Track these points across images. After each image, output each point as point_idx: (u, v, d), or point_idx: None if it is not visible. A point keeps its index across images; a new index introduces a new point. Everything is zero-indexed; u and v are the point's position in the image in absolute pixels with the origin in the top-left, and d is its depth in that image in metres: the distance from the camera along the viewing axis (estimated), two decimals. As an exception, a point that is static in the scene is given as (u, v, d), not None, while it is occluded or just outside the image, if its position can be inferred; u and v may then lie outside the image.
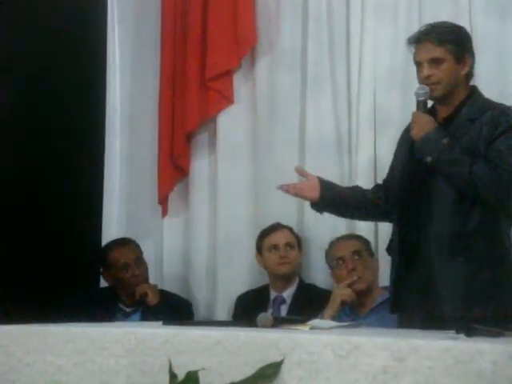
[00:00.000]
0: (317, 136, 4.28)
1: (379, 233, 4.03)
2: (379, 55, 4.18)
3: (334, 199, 3.35)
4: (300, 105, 4.35)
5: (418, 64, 3.16)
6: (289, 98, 4.36)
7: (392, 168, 3.35)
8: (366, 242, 3.95)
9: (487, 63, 3.95)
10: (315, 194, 3.32)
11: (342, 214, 3.54)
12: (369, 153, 4.14)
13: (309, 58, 4.33)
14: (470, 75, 3.20)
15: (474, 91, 3.21)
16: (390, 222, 3.32)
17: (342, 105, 4.27)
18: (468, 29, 3.87)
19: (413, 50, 3.19)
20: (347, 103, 4.25)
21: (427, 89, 3.11)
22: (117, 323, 3.56)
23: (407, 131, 3.24)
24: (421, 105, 3.14)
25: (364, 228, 4.04)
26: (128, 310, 4.25)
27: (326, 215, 4.19)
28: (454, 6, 4.02)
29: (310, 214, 4.25)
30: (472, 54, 3.20)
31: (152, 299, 4.16)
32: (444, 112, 3.17)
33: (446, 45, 3.12)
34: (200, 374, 2.27)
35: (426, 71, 3.12)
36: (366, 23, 4.20)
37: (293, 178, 4.28)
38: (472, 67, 3.19)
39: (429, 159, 3.06)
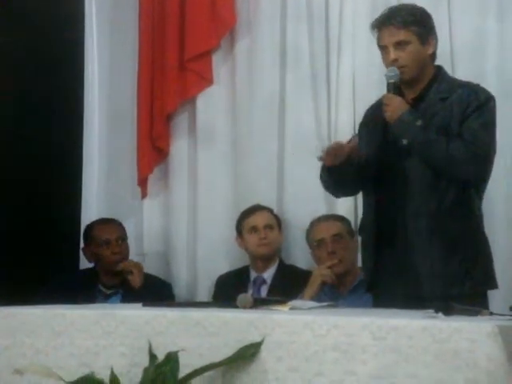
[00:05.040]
0: (296, 116, 4.28)
1: (359, 212, 4.03)
2: (358, 46, 4.16)
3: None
4: (279, 86, 4.33)
5: (384, 48, 3.15)
6: (268, 80, 4.34)
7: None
8: (347, 223, 3.96)
9: (466, 59, 3.96)
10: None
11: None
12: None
13: (288, 39, 4.32)
14: (434, 55, 3.20)
15: (439, 70, 3.22)
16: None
17: (321, 87, 4.26)
18: (447, 26, 3.91)
19: (376, 34, 3.18)
20: (326, 84, 4.25)
21: (397, 71, 3.11)
22: (96, 305, 3.55)
23: (374, 111, 3.24)
24: (391, 87, 3.13)
25: (344, 208, 4.05)
26: (108, 291, 4.24)
27: (306, 196, 4.22)
28: (432, 2, 4.00)
29: (291, 194, 4.28)
30: (435, 34, 3.20)
31: (136, 280, 4.16)
32: (412, 93, 3.17)
33: (409, 27, 3.11)
34: (180, 354, 2.28)
35: (392, 55, 3.11)
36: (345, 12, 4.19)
37: (272, 159, 4.32)
38: (436, 47, 3.19)
39: (405, 142, 3.07)
